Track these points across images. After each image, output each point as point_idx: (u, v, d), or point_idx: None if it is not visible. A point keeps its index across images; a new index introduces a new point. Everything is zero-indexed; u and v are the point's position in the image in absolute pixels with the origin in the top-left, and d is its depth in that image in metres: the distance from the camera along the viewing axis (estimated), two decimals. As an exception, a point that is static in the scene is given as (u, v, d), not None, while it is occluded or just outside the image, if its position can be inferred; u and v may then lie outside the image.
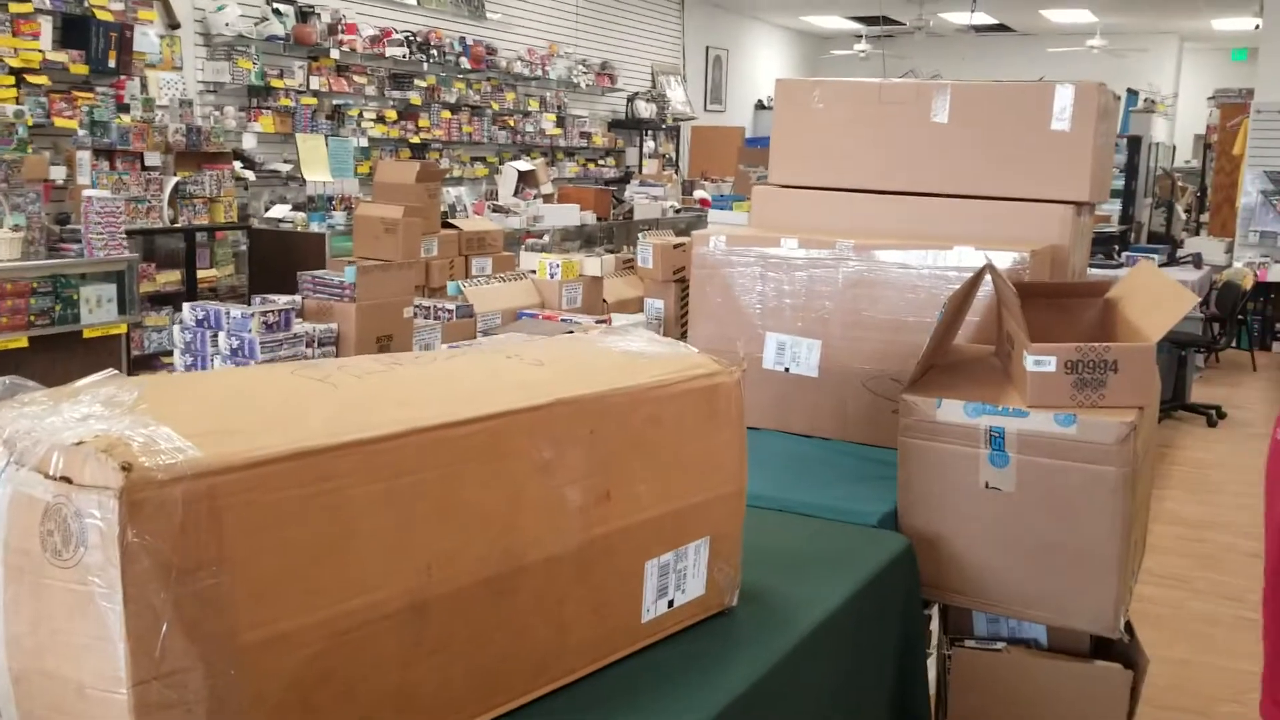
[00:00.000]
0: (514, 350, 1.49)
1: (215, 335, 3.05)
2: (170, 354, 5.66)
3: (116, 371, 1.07)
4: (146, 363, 5.49)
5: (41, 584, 1.00)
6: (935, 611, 2.30)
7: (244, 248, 6.33)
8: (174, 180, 5.84)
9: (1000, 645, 2.21)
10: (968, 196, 2.69)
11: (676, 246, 4.35)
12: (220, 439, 1.05)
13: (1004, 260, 2.38)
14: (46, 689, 1.03)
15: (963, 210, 2.67)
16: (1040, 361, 1.98)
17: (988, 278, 2.30)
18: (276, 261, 5.98)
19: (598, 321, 3.84)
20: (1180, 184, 12.35)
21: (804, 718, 1.60)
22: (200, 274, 5.89)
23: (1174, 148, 13.60)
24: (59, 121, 5.55)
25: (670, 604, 1.51)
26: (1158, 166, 11.61)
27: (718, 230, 2.76)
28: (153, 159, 5.84)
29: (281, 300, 3.17)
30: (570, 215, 8.47)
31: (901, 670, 1.98)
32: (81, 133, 5.59)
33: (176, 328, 2.92)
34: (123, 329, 5.06)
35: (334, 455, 1.11)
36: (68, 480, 0.98)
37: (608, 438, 1.40)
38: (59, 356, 4.80)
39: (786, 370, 2.62)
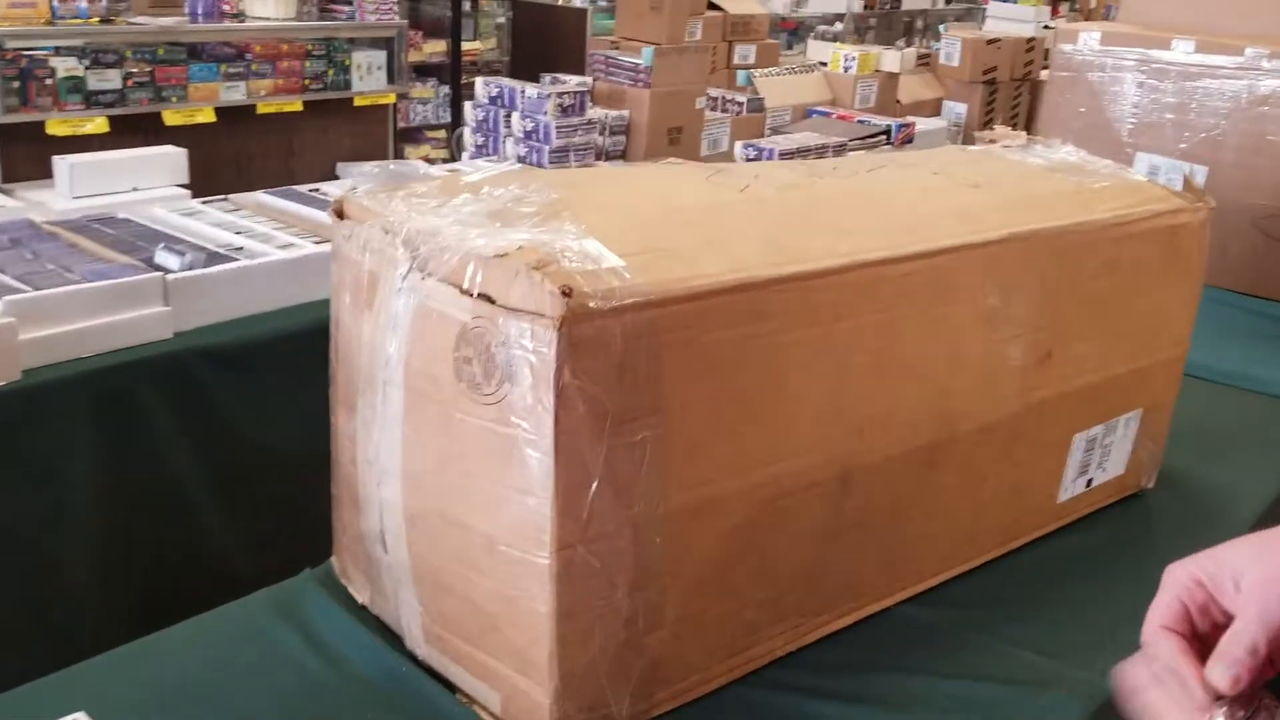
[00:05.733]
0: (938, 165, 1.22)
1: (509, 115, 2.88)
2: (437, 128, 5.64)
3: (521, 164, 0.87)
4: (411, 135, 5.48)
5: (453, 418, 0.85)
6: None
7: (503, 19, 6.14)
8: (439, -56, 5.64)
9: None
10: None
11: (990, 43, 3.87)
12: (654, 260, 0.85)
13: None
14: (447, 536, 0.89)
15: None
16: None
17: None
18: (536, 37, 5.78)
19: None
20: None
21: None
22: (464, 46, 5.77)
23: None
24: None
25: (1089, 483, 1.27)
26: None
27: (1090, 26, 2.34)
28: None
29: (573, 81, 2.94)
30: (834, 2, 7.83)
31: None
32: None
33: (468, 104, 2.77)
34: (390, 99, 5.02)
35: (772, 290, 0.90)
36: (489, 300, 0.81)
37: (1058, 284, 1.13)
38: (330, 123, 4.81)
39: (1160, 200, 2.23)
